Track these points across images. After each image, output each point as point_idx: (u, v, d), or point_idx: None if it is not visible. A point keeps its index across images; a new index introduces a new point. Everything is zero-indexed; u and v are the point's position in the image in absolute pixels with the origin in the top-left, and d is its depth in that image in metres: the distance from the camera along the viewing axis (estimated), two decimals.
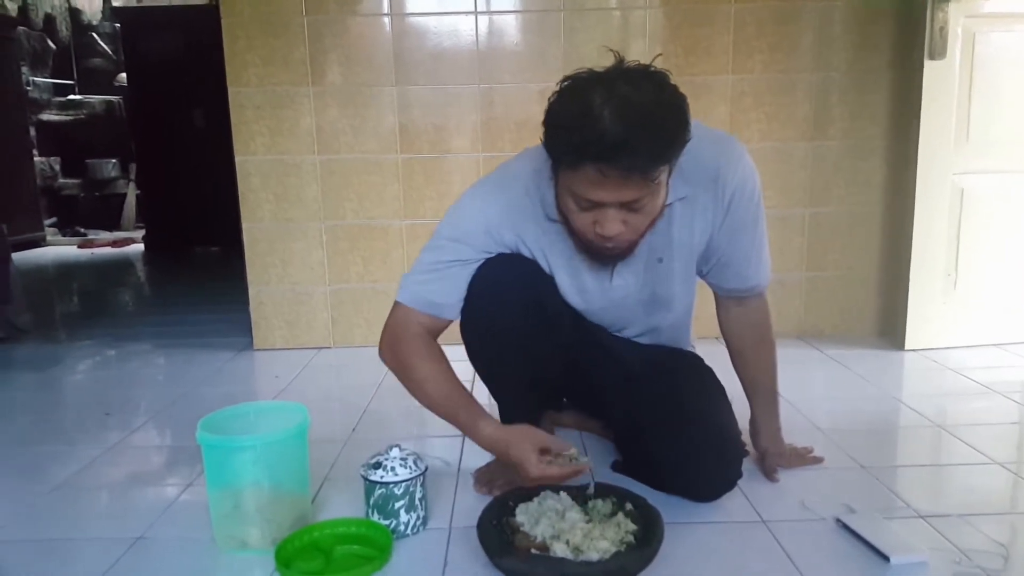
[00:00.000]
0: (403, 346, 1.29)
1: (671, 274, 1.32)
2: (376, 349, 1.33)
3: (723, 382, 1.45)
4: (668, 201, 1.20)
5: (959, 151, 2.24)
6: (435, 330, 1.31)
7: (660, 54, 1.14)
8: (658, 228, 1.22)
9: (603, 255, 1.19)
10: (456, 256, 1.26)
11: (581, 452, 1.22)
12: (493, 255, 1.27)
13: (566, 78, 1.09)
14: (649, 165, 1.04)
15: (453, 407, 1.27)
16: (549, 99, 1.09)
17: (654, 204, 1.12)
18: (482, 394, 1.46)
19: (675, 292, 1.35)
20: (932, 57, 2.16)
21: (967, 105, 2.22)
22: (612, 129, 1.00)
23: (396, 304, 1.31)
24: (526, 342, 1.29)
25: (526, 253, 1.29)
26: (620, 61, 1.08)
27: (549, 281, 1.32)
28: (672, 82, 1.07)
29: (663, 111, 1.03)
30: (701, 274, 1.39)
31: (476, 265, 1.27)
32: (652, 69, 1.07)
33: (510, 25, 2.41)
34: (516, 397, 1.45)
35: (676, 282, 1.34)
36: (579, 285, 1.32)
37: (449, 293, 1.27)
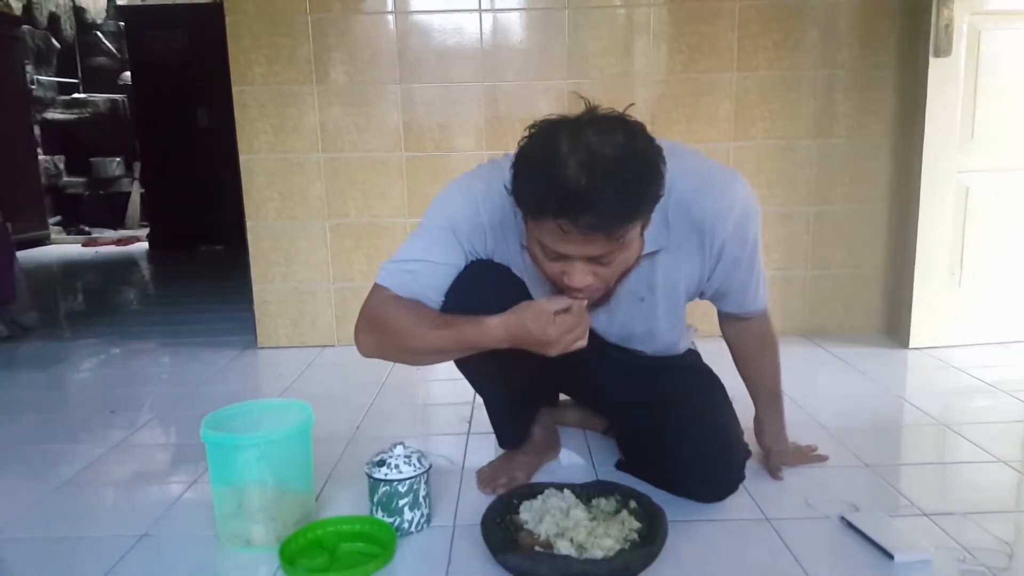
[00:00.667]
0: (383, 312, 1.20)
1: (654, 313, 1.29)
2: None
3: (725, 380, 1.45)
4: (649, 251, 1.16)
5: (964, 149, 2.23)
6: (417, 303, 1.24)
7: (632, 104, 1.07)
8: (640, 272, 1.19)
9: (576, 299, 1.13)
10: (445, 244, 1.21)
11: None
12: (472, 259, 1.23)
13: (536, 123, 1.03)
14: (612, 224, 0.98)
15: (455, 328, 1.15)
16: (519, 143, 1.04)
17: (625, 258, 1.07)
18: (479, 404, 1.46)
19: (658, 328, 1.32)
20: (937, 54, 2.15)
21: (972, 103, 2.21)
22: (575, 182, 0.94)
23: (375, 287, 1.24)
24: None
25: (500, 261, 1.25)
26: (593, 108, 1.02)
27: (527, 293, 1.25)
28: (646, 133, 1.01)
29: (631, 166, 0.97)
30: (700, 298, 1.36)
31: (459, 261, 1.22)
32: (626, 118, 1.02)
33: (514, 23, 2.41)
34: (507, 401, 1.45)
35: (660, 320, 1.31)
36: None
37: (431, 284, 1.21)
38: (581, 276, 1.05)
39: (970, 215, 2.27)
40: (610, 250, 1.03)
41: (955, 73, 2.17)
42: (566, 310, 1.07)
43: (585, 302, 1.09)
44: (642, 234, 1.09)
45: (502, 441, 1.53)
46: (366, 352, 1.26)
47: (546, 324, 1.07)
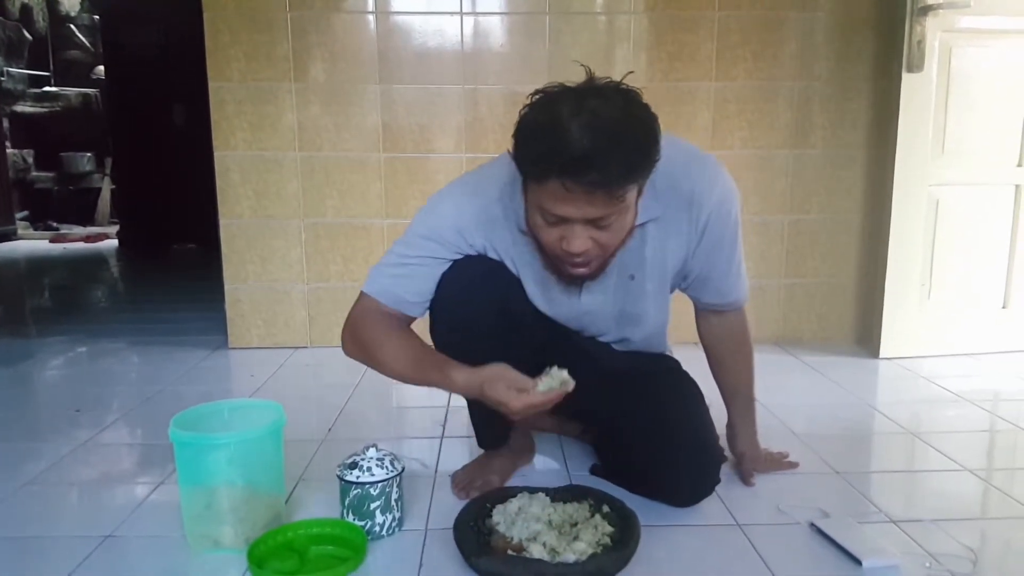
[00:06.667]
0: (365, 330, 1.26)
1: (643, 293, 1.31)
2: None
3: (701, 386, 1.46)
4: (640, 221, 1.19)
5: (935, 163, 2.27)
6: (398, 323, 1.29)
7: (631, 71, 1.12)
8: (630, 247, 1.21)
9: (572, 275, 1.17)
10: (427, 253, 1.24)
11: (561, 371, 1.14)
12: (462, 257, 1.25)
13: (537, 91, 1.07)
14: (614, 182, 1.01)
15: (423, 370, 1.22)
16: (520, 111, 1.07)
17: (622, 223, 1.10)
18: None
19: (647, 310, 1.34)
20: (910, 70, 2.19)
21: (943, 118, 2.25)
22: (578, 143, 0.98)
23: (361, 294, 1.28)
24: (494, 343, 1.24)
25: (494, 257, 1.28)
26: (591, 77, 1.06)
27: (517, 285, 1.30)
28: (644, 100, 1.05)
29: (632, 127, 1.01)
30: (681, 289, 1.39)
31: (445, 265, 1.25)
32: (624, 86, 1.05)
33: (496, 27, 2.41)
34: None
35: (648, 301, 1.32)
36: (548, 296, 1.31)
37: (416, 291, 1.25)
38: (581, 240, 1.08)
39: (940, 228, 2.32)
40: (610, 211, 1.06)
41: (927, 88, 2.22)
42: (529, 394, 1.12)
43: (553, 395, 1.12)
44: (637, 201, 1.12)
45: (481, 441, 1.52)
46: (349, 357, 1.31)
47: (509, 398, 1.11)
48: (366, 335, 1.26)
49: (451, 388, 1.22)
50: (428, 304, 1.27)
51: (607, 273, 1.25)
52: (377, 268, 1.28)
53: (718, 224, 1.26)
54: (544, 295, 1.31)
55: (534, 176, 1.05)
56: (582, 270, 1.15)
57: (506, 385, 1.13)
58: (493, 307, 1.25)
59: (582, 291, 1.28)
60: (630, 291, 1.30)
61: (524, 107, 1.07)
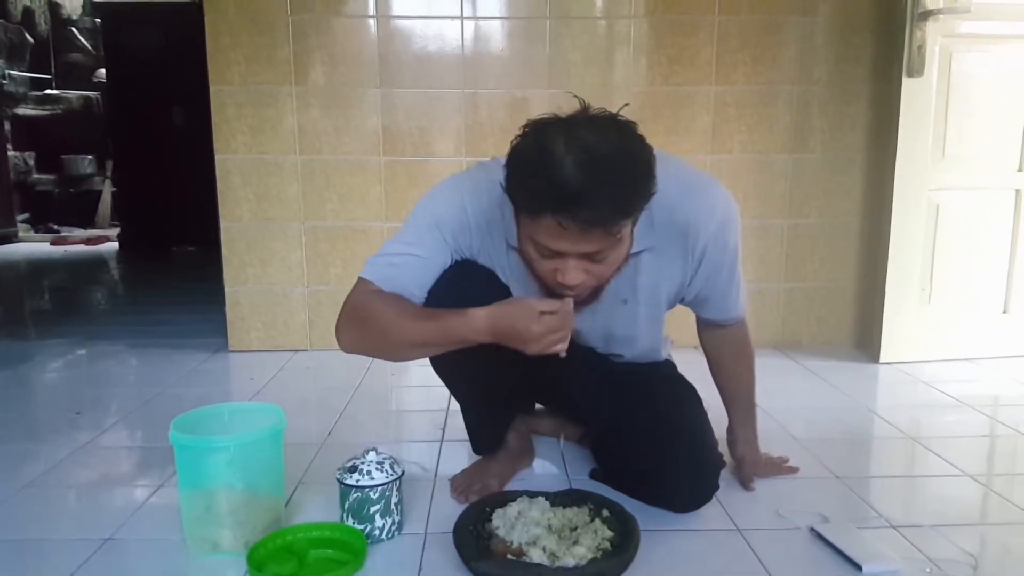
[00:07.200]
0: (364, 307, 1.20)
1: (635, 316, 1.30)
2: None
3: (700, 390, 1.46)
4: (635, 250, 1.18)
5: (935, 167, 2.27)
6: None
7: (627, 104, 1.11)
8: (624, 274, 1.20)
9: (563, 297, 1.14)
10: (430, 240, 1.20)
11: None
12: (458, 257, 1.23)
13: (529, 122, 1.05)
14: (610, 219, 1.00)
15: (434, 324, 1.15)
16: (512, 142, 1.05)
17: (617, 255, 1.10)
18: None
19: (639, 332, 1.34)
20: (910, 75, 2.19)
21: (943, 122, 2.25)
22: (573, 180, 0.96)
23: (359, 280, 1.23)
24: (487, 349, 1.20)
25: (484, 262, 1.25)
26: (586, 108, 1.04)
27: (507, 291, 1.26)
28: (638, 132, 1.03)
29: (627, 163, 0.99)
30: (681, 303, 1.37)
31: (445, 256, 1.21)
32: (619, 118, 1.03)
33: (496, 31, 2.41)
34: (483, 406, 1.44)
35: (640, 324, 1.32)
36: None
37: (418, 280, 1.20)
38: (574, 273, 1.07)
39: (940, 232, 2.32)
40: (604, 246, 1.04)
41: (927, 93, 2.22)
42: (553, 312, 1.08)
43: (571, 306, 1.10)
44: (632, 232, 1.11)
45: (476, 447, 1.52)
46: (346, 346, 1.25)
47: (530, 320, 1.07)
48: (367, 309, 1.19)
49: (471, 327, 1.12)
50: (427, 296, 1.22)
51: (599, 298, 1.24)
52: (376, 257, 1.23)
53: (715, 252, 1.25)
54: None
55: (528, 210, 1.04)
56: (574, 296, 1.12)
57: (529, 303, 1.08)
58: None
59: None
60: (622, 314, 1.30)
61: (516, 138, 1.05)
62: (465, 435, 1.53)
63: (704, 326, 1.45)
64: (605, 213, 0.99)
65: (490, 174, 1.20)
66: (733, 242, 1.27)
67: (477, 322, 1.12)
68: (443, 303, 1.19)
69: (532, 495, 1.28)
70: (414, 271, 1.21)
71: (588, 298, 1.17)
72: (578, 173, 0.96)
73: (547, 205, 0.99)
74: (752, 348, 1.47)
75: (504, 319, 1.10)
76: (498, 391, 1.40)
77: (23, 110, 6.65)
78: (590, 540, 1.14)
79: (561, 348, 1.10)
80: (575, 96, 1.06)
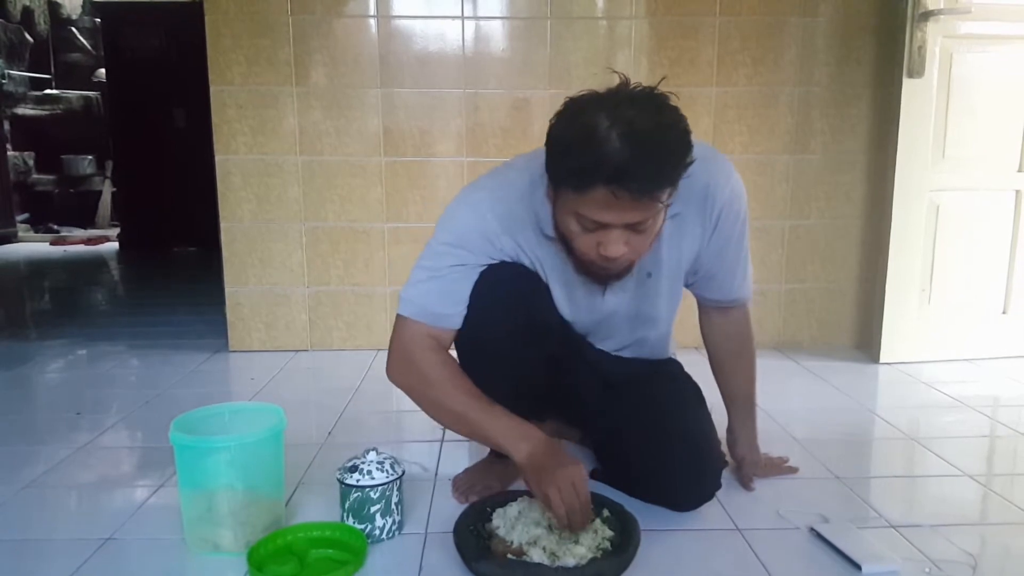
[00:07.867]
0: (416, 364, 1.24)
1: (658, 291, 1.32)
2: (386, 368, 1.28)
3: (702, 391, 1.46)
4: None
5: (935, 168, 2.28)
6: (444, 341, 1.26)
7: (665, 76, 1.15)
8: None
9: (601, 275, 1.18)
10: (456, 261, 1.22)
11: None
12: (494, 262, 1.24)
13: (568, 100, 1.08)
14: (658, 187, 1.04)
15: (485, 415, 1.21)
16: (551, 121, 1.08)
17: (656, 224, 1.12)
18: None
19: (661, 308, 1.35)
20: (911, 75, 2.19)
21: (944, 123, 2.25)
22: (621, 152, 1.00)
23: (399, 319, 1.26)
24: (515, 355, 1.26)
25: (526, 261, 1.27)
26: (625, 83, 1.08)
27: (544, 292, 1.29)
28: (673, 103, 1.08)
29: (668, 133, 1.04)
30: (687, 284, 1.39)
31: (476, 271, 1.23)
32: (655, 91, 1.07)
33: (497, 31, 2.41)
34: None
35: (662, 299, 1.33)
36: (571, 297, 1.31)
37: (452, 301, 1.23)
38: (617, 245, 1.09)
39: (940, 233, 2.32)
40: (648, 215, 1.08)
41: (928, 94, 2.22)
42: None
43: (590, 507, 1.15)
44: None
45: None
46: (394, 383, 1.29)
47: (558, 489, 1.12)
48: (417, 367, 1.24)
49: (507, 448, 1.19)
50: (466, 310, 1.25)
51: (631, 273, 1.25)
52: (408, 288, 1.25)
53: (729, 219, 1.28)
54: (568, 298, 1.31)
55: (575, 186, 1.06)
56: (614, 271, 1.16)
57: (569, 477, 1.13)
58: (516, 317, 1.24)
59: (606, 292, 1.29)
60: (647, 289, 1.32)
61: (555, 117, 1.08)
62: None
63: (707, 314, 1.46)
64: (654, 181, 1.03)
65: (506, 175, 1.24)
66: (743, 213, 1.31)
67: (518, 451, 1.18)
68: (474, 310, 1.24)
69: (533, 495, 1.28)
70: (448, 295, 1.23)
71: (622, 272, 1.19)
72: (626, 146, 1.00)
73: (599, 178, 1.02)
74: (754, 347, 1.48)
75: (535, 469, 1.15)
76: (510, 394, 1.40)
77: (23, 110, 6.65)
78: (590, 540, 1.14)
79: (562, 516, 1.13)
80: (614, 71, 1.10)
